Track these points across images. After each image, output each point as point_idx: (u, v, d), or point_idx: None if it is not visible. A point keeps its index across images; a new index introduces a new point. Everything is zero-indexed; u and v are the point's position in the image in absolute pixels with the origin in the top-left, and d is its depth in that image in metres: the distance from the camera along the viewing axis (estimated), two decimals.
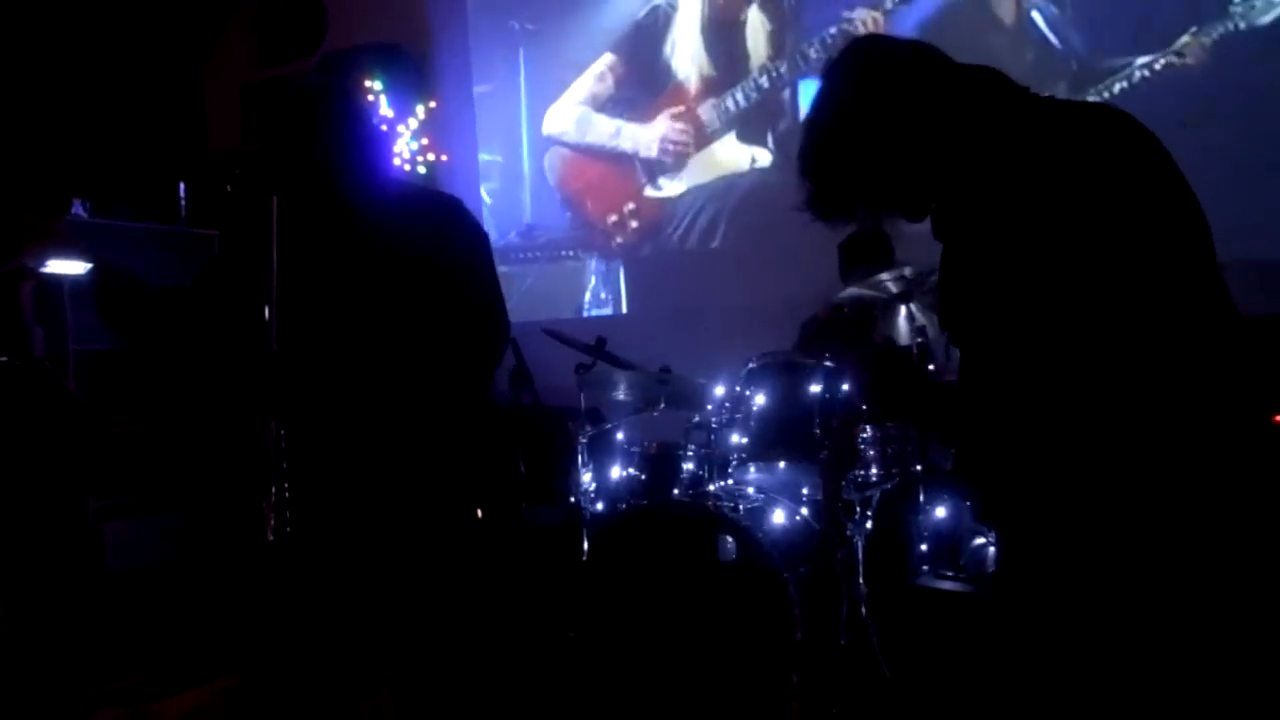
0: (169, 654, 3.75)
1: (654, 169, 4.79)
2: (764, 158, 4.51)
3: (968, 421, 1.38)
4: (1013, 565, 1.43)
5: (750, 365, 2.90)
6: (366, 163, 2.12)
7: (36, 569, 3.34)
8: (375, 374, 2.09)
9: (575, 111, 4.99)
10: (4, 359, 2.47)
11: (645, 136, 4.81)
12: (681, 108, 4.70)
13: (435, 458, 2.20)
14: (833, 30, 4.21)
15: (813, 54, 4.31)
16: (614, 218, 4.92)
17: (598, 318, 4.65)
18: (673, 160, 4.73)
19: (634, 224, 4.87)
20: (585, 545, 3.05)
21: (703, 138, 4.66)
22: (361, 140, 2.12)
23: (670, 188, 4.77)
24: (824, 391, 2.75)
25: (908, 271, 2.76)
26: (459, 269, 2.14)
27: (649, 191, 4.82)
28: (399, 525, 2.20)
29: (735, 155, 4.58)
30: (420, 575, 2.27)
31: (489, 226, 4.92)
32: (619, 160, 4.88)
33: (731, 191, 4.57)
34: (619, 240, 4.92)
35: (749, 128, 4.55)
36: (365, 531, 2.18)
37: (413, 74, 4.82)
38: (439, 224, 2.18)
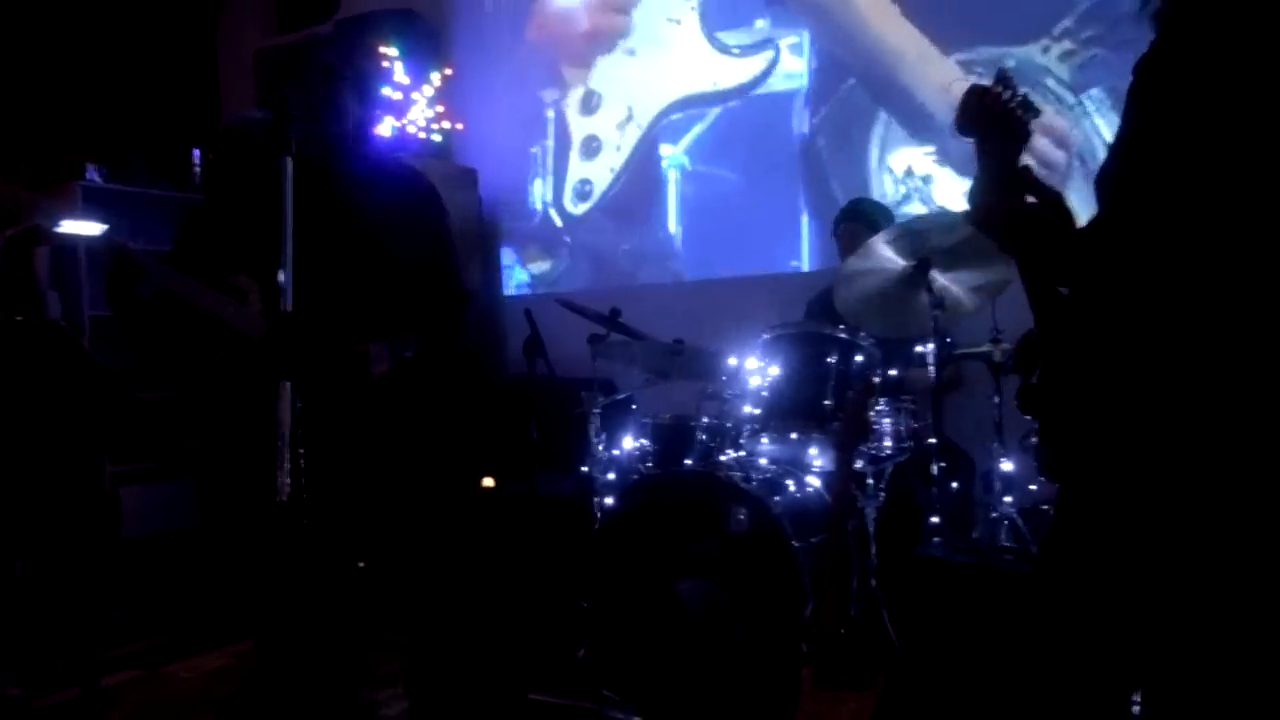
0: (185, 618, 3.80)
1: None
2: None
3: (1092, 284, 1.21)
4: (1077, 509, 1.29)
5: (764, 337, 2.88)
6: (353, 128, 2.17)
7: (53, 533, 3.37)
8: (351, 327, 2.12)
9: None
10: (19, 319, 2.48)
11: None
12: None
13: (405, 415, 2.23)
14: None
15: None
16: None
17: (612, 288, 4.62)
18: None
19: None
20: (597, 515, 3.06)
21: None
22: (349, 105, 2.16)
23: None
24: (838, 363, 2.74)
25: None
26: (426, 239, 2.21)
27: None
28: (396, 490, 2.22)
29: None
30: (432, 543, 2.29)
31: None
32: None
33: None
34: None
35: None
36: (372, 497, 2.20)
37: (428, 40, 4.78)
38: (410, 195, 2.24)
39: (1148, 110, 1.19)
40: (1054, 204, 1.28)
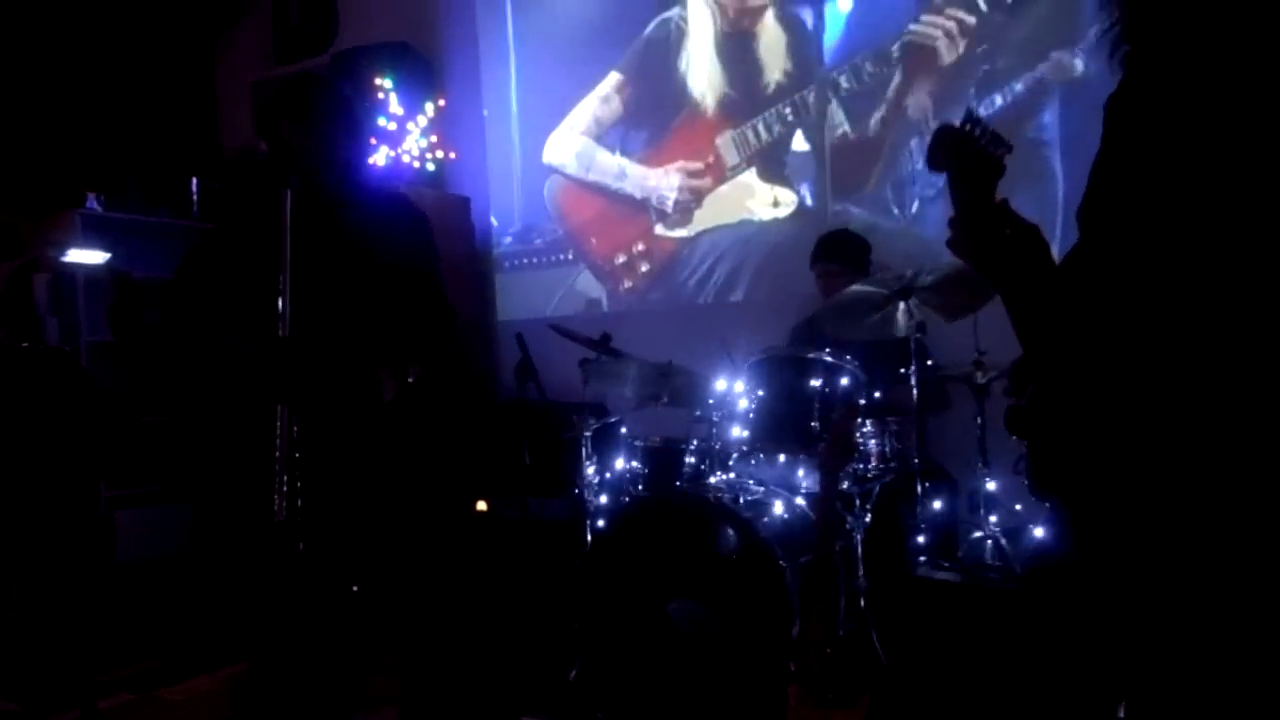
0: (179, 641, 3.82)
1: (666, 212, 4.51)
2: (786, 199, 4.21)
3: (1065, 322, 1.24)
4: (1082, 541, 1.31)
5: (751, 360, 2.94)
6: (349, 157, 2.22)
7: (48, 557, 3.40)
8: (354, 351, 2.17)
9: (577, 143, 4.71)
10: (25, 345, 2.52)
11: (655, 183, 4.51)
12: (699, 163, 4.38)
13: (401, 439, 2.28)
14: (863, 60, 4.02)
15: (844, 82, 4.07)
16: (622, 258, 4.63)
17: (603, 313, 4.69)
18: (687, 206, 4.44)
19: (644, 266, 4.58)
20: (588, 537, 3.10)
21: (720, 173, 4.35)
22: (346, 135, 2.21)
23: (684, 226, 4.46)
24: (823, 386, 2.80)
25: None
26: (418, 263, 2.28)
27: (660, 230, 4.50)
28: (392, 513, 2.26)
29: (756, 195, 4.28)
30: (424, 563, 2.33)
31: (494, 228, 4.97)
32: (626, 197, 4.61)
33: (753, 242, 4.29)
34: (627, 284, 4.63)
35: (771, 164, 4.24)
36: (366, 518, 2.24)
37: (422, 73, 4.87)
38: (403, 220, 2.30)
39: (1118, 145, 1.27)
40: (1031, 236, 1.31)
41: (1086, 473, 1.26)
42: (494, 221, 4.97)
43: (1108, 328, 1.22)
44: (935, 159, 1.36)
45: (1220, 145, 1.15)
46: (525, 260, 4.94)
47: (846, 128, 4.10)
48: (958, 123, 1.34)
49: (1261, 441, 1.13)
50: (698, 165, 4.43)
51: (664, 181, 4.51)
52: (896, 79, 3.98)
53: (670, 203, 4.49)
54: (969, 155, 1.33)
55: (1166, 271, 1.17)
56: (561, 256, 4.84)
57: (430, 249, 2.39)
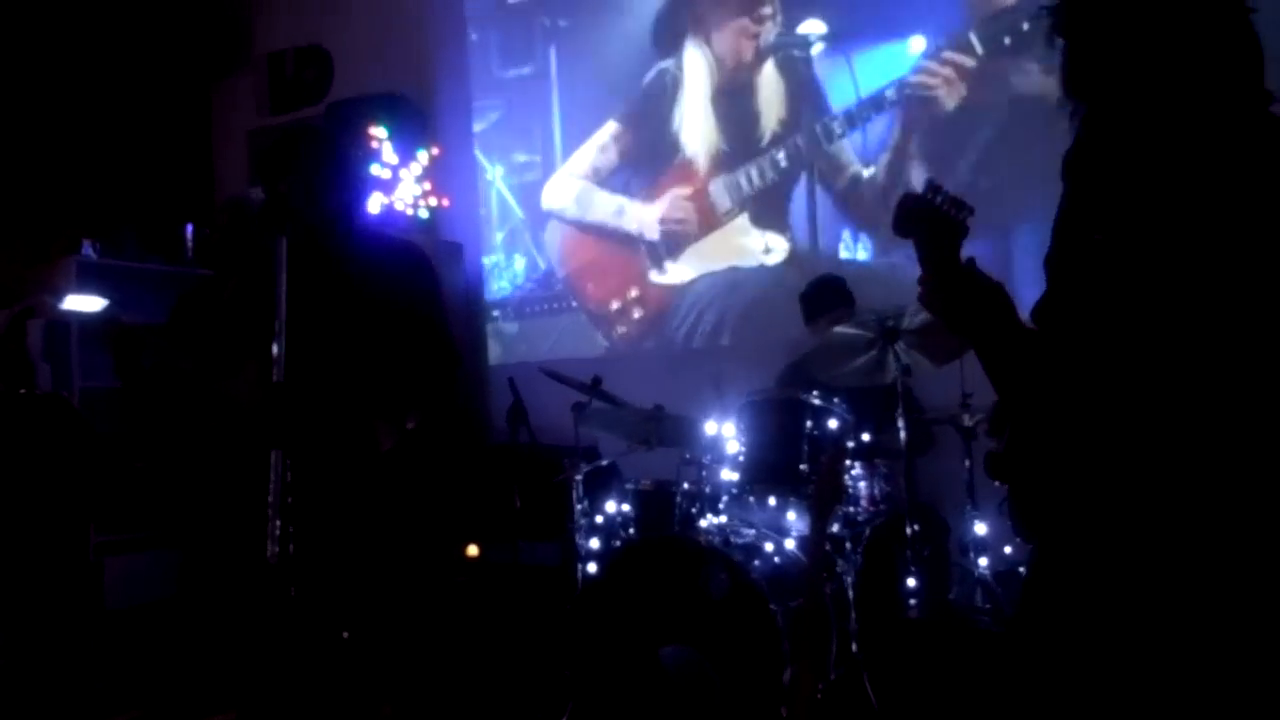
0: (166, 690, 3.77)
1: (659, 252, 4.54)
2: (778, 246, 4.26)
3: (1042, 369, 1.30)
4: (1050, 578, 1.35)
5: (740, 402, 2.97)
6: (345, 205, 2.26)
7: (37, 603, 3.37)
8: (351, 398, 2.19)
9: (575, 186, 4.77)
10: (22, 390, 2.54)
11: (650, 216, 4.55)
12: (689, 188, 4.43)
13: (397, 486, 2.28)
14: (857, 106, 4.08)
15: (837, 128, 4.14)
16: (616, 304, 4.67)
17: (594, 358, 4.71)
18: (678, 242, 4.48)
19: (637, 313, 4.61)
20: (579, 581, 3.10)
21: (713, 218, 4.40)
22: (341, 184, 2.25)
23: (676, 273, 4.50)
24: (812, 428, 2.82)
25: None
26: (419, 307, 2.30)
27: (654, 276, 4.56)
28: (384, 559, 2.26)
29: (748, 241, 4.32)
30: (416, 608, 2.32)
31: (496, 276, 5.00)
32: (622, 241, 4.63)
33: (743, 288, 4.33)
34: (621, 330, 4.68)
35: (764, 210, 4.29)
36: (358, 563, 2.24)
37: (416, 122, 4.95)
38: (404, 266, 2.33)
39: (1077, 200, 1.34)
40: (996, 293, 1.38)
41: (1062, 515, 1.30)
42: (542, 265, 4.97)
43: (1079, 374, 1.26)
44: (901, 226, 1.44)
45: (1172, 199, 1.21)
46: (540, 307, 4.94)
47: (860, 170, 4.13)
48: (920, 190, 1.42)
49: (1228, 480, 1.17)
50: (689, 188, 4.45)
51: (659, 213, 4.55)
52: (896, 130, 4.03)
53: (659, 232, 4.52)
54: (933, 221, 1.40)
55: (1132, 318, 1.22)
56: (573, 303, 4.87)
57: (433, 294, 2.39)
